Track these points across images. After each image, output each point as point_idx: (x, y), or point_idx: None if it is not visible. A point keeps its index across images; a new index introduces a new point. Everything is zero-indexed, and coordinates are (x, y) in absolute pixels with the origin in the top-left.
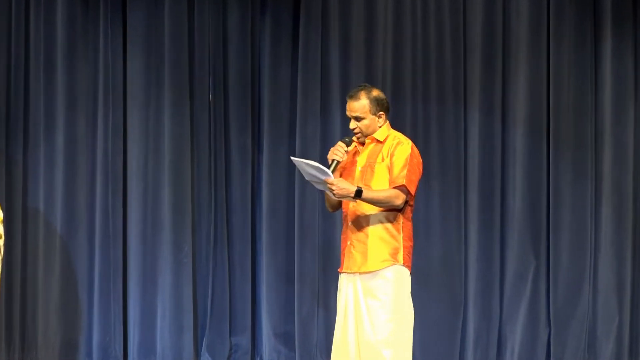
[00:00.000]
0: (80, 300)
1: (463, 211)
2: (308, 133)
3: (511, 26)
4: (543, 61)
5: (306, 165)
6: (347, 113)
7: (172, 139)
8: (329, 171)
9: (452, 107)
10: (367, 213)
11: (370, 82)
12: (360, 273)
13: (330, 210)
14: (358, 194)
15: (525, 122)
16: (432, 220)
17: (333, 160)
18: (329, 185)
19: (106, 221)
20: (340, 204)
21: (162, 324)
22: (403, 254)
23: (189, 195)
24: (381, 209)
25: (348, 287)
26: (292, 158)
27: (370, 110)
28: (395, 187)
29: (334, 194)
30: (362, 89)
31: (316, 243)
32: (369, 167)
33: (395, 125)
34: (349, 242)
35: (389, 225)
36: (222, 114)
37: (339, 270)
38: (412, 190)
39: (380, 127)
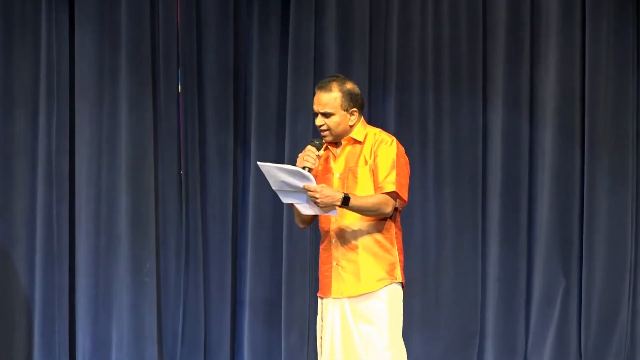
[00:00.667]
0: (17, 329)
1: (481, 222)
2: (299, 131)
3: (540, 3)
4: (577, 45)
5: (279, 170)
6: (315, 107)
7: (131, 138)
8: (312, 176)
9: (468, 100)
10: (355, 226)
11: (372, 71)
12: (349, 297)
13: (301, 225)
14: (345, 201)
15: (555, 118)
16: (443, 233)
17: (304, 168)
18: (310, 194)
19: (49, 235)
20: (315, 218)
21: (119, 356)
22: (400, 270)
23: (152, 203)
24: (369, 219)
25: (334, 314)
26: (259, 163)
27: (341, 105)
28: (384, 194)
29: (317, 203)
30: (334, 80)
31: (307, 258)
32: (350, 172)
33: (402, 122)
34: (334, 263)
35: (380, 237)
36: (195, 109)
37: (320, 295)
38: (405, 196)
39: (352, 126)
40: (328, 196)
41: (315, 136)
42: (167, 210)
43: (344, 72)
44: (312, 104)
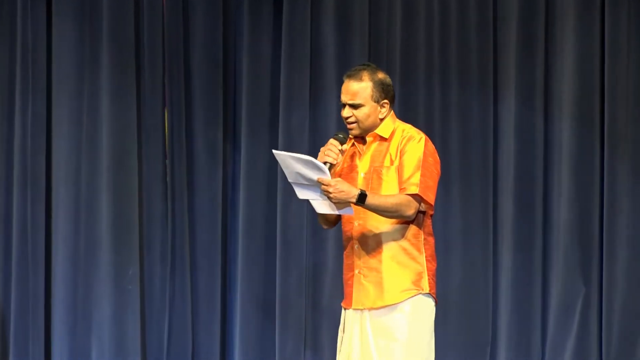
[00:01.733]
0: None
1: (492, 224)
2: (294, 126)
3: None
4: (596, 33)
5: (294, 160)
6: (342, 98)
7: (113, 133)
8: (326, 168)
9: (478, 92)
10: (379, 230)
11: (372, 60)
12: (370, 309)
13: (325, 226)
14: (361, 198)
15: (572, 112)
16: (451, 235)
17: (325, 163)
18: (324, 187)
19: (23, 239)
20: (339, 218)
21: None
22: (428, 279)
23: (135, 204)
24: (394, 223)
25: (354, 326)
26: (274, 152)
27: (372, 96)
28: (406, 195)
29: (330, 198)
30: (364, 69)
31: (303, 266)
32: (375, 173)
33: (404, 116)
34: (357, 271)
35: (407, 244)
36: (181, 101)
37: (343, 305)
38: (431, 199)
39: (382, 119)
40: (342, 191)
41: (313, 131)
42: (151, 211)
43: (343, 60)
44: (307, 97)
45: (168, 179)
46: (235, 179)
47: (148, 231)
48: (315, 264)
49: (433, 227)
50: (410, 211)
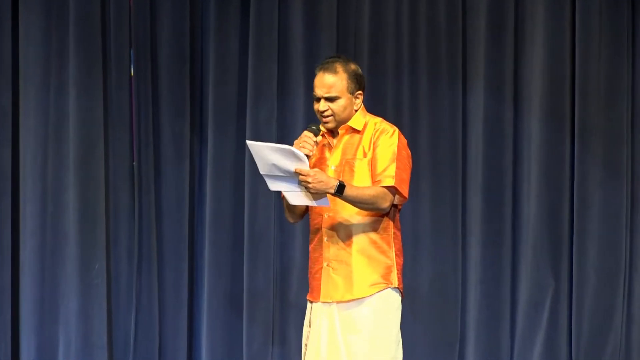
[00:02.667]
0: None
1: (461, 219)
2: (261, 118)
3: None
4: (566, 23)
5: (271, 150)
6: (316, 91)
7: (80, 126)
8: (305, 158)
9: (447, 84)
10: (350, 223)
11: (341, 52)
12: (338, 302)
13: (291, 220)
14: (340, 189)
15: (543, 104)
16: (420, 230)
17: None
18: (302, 178)
19: None
20: (306, 211)
21: None
22: (397, 274)
23: (102, 198)
24: (365, 216)
25: (322, 322)
26: (248, 142)
27: (347, 88)
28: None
29: (309, 188)
30: (337, 60)
31: (271, 260)
32: (347, 164)
33: (373, 108)
34: (325, 264)
35: (377, 237)
36: (148, 94)
37: (309, 298)
38: (406, 192)
39: (356, 111)
40: (321, 182)
41: (281, 125)
42: (118, 205)
43: (311, 53)
44: (275, 87)
45: (135, 171)
46: (202, 172)
47: (115, 225)
48: (283, 258)
49: (401, 221)
50: (386, 204)
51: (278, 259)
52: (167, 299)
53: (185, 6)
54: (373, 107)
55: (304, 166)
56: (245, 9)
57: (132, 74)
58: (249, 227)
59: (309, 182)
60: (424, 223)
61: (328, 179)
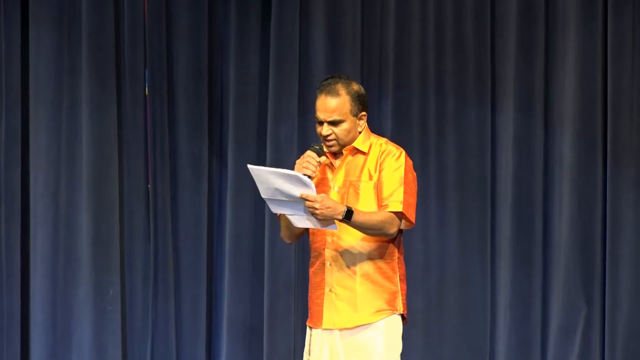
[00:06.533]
0: None
1: (490, 241)
2: (282, 138)
3: None
4: (598, 40)
5: (274, 175)
6: (319, 115)
7: (93, 146)
8: (312, 183)
9: (475, 102)
10: (354, 247)
11: (365, 69)
12: (341, 329)
13: (287, 240)
14: (348, 215)
15: (574, 123)
16: (446, 253)
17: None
18: (309, 204)
19: None
20: (302, 232)
21: None
22: (402, 300)
23: (116, 221)
24: (370, 241)
25: (323, 347)
26: (249, 166)
27: (351, 111)
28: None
29: (316, 215)
30: (338, 81)
31: (292, 284)
32: (351, 186)
33: (399, 127)
34: (327, 289)
35: (382, 263)
36: (164, 114)
37: (309, 324)
38: (412, 217)
39: (360, 132)
40: (329, 207)
41: (301, 143)
42: (133, 228)
43: (334, 70)
44: (296, 106)
45: (150, 194)
46: (222, 194)
47: (129, 250)
48: (303, 281)
49: (427, 244)
50: (393, 229)
51: (299, 281)
52: (184, 326)
53: (203, 21)
54: (398, 125)
55: (311, 191)
56: (266, 23)
57: (147, 92)
58: (270, 249)
59: (317, 209)
60: (450, 245)
61: (335, 204)
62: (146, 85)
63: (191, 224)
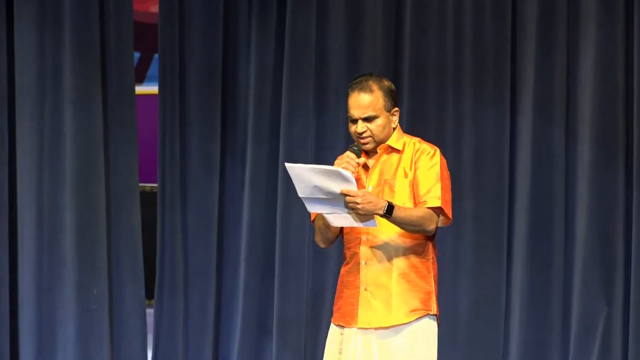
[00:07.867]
0: None
1: (506, 242)
2: (295, 137)
3: None
4: (620, 40)
5: (313, 172)
6: (353, 113)
7: (77, 145)
8: (353, 178)
9: (494, 103)
10: (390, 246)
11: (381, 68)
12: (377, 328)
13: (322, 245)
14: (389, 210)
15: (595, 124)
16: (462, 253)
17: None
18: (350, 199)
19: None
20: (339, 233)
21: None
22: (435, 300)
23: (102, 219)
24: (407, 239)
25: (357, 346)
26: (287, 164)
27: (384, 106)
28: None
29: (357, 210)
30: (370, 78)
31: (305, 282)
32: (386, 185)
33: (415, 128)
34: (362, 288)
35: (417, 262)
36: (175, 112)
37: (340, 323)
38: (450, 213)
39: (394, 129)
40: (371, 202)
41: (316, 142)
42: (120, 226)
43: (346, 70)
44: (311, 105)
45: (158, 194)
46: (236, 195)
47: (116, 248)
48: (316, 282)
49: (443, 245)
50: (432, 225)
51: (312, 281)
52: (191, 325)
53: (217, 18)
54: (415, 126)
55: (352, 187)
56: (281, 21)
57: (158, 90)
58: (281, 249)
59: (358, 203)
60: (465, 245)
61: (377, 199)
62: (159, 84)
63: (201, 224)
